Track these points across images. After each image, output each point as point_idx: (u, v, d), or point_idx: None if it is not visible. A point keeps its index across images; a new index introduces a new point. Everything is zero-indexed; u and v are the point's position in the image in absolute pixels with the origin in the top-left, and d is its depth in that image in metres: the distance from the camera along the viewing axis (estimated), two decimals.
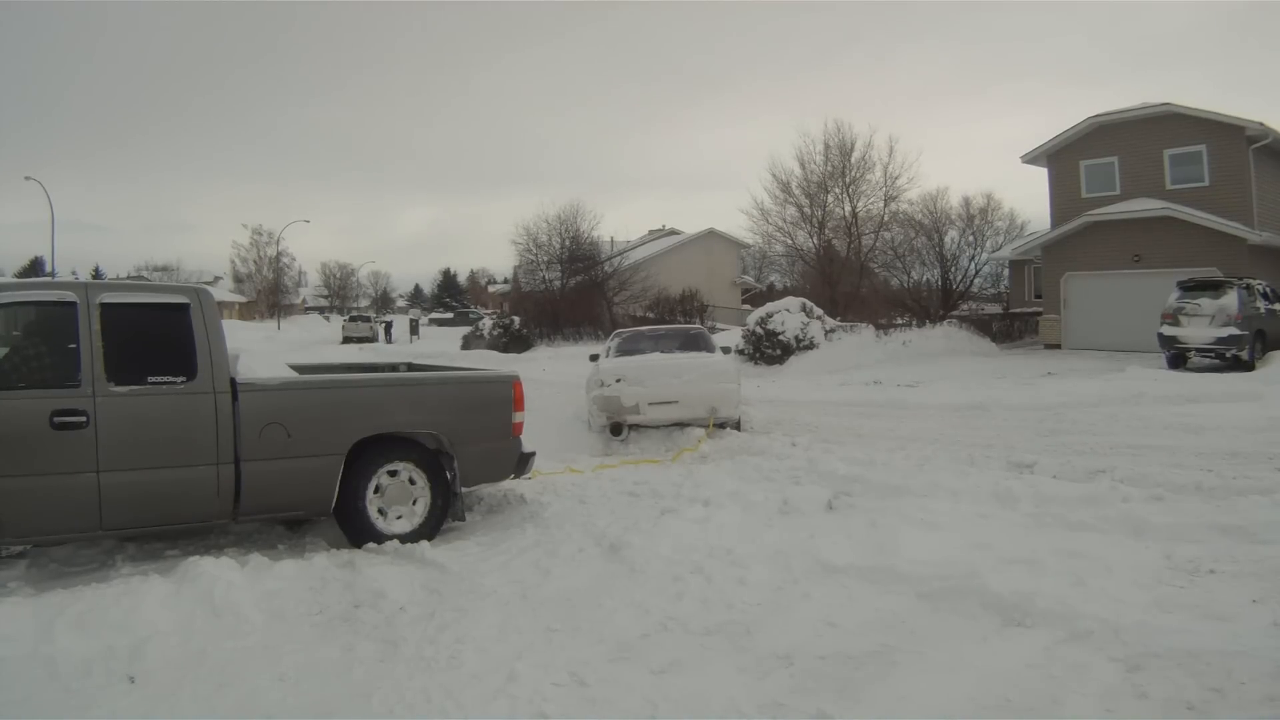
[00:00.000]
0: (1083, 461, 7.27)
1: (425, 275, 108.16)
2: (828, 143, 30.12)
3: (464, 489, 5.93)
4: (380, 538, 5.40)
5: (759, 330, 20.43)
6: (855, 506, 5.83)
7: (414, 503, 5.64)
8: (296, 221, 78.58)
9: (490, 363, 19.29)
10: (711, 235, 43.30)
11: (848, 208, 30.12)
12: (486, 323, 35.97)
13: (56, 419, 4.58)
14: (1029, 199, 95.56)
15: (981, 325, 24.43)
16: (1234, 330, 15.16)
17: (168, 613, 4.00)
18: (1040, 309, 24.13)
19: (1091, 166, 22.22)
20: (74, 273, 55.93)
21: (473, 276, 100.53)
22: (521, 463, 6.17)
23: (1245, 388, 11.84)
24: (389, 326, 46.52)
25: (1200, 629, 3.52)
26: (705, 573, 4.54)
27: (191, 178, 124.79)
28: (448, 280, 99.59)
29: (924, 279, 27.92)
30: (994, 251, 29.58)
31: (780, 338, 20.02)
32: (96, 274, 65.21)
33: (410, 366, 7.73)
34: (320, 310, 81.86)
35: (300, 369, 6.13)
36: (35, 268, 60.73)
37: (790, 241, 32.28)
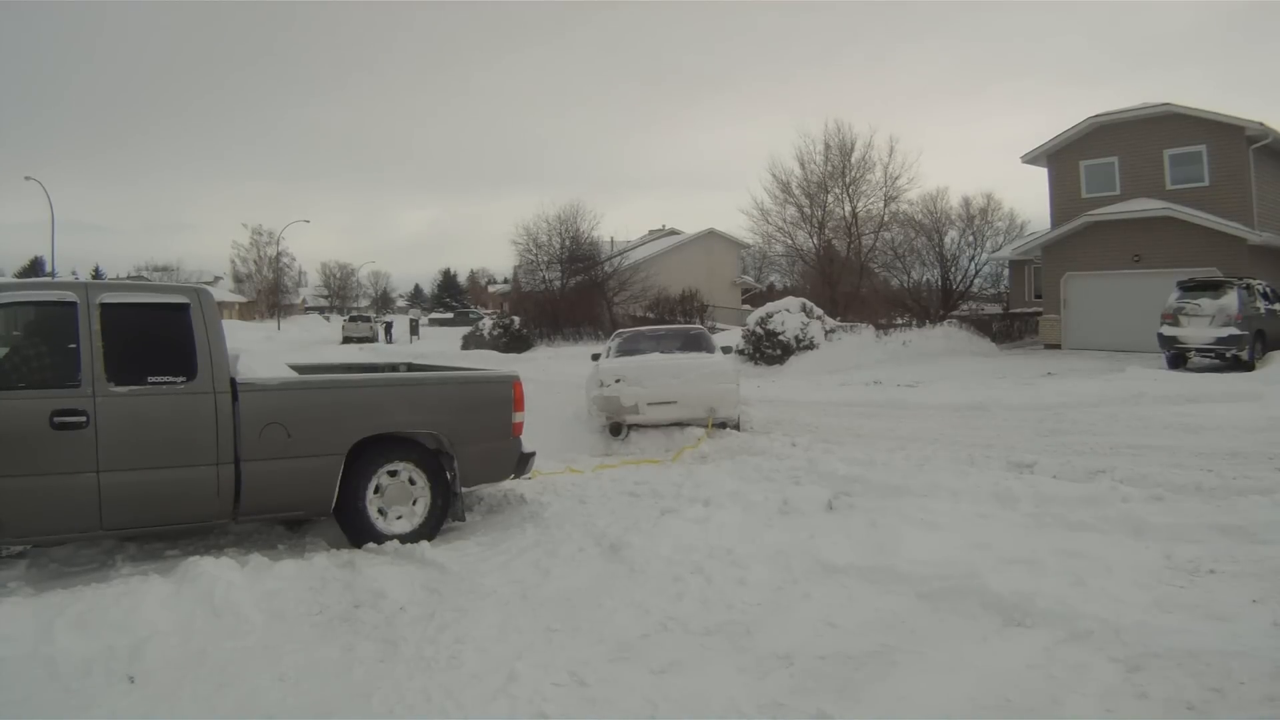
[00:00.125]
0: (1083, 461, 7.27)
1: (425, 275, 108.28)
2: (828, 143, 30.17)
3: (464, 489, 5.93)
4: (380, 538, 5.40)
5: (759, 330, 20.43)
6: (855, 506, 5.83)
7: (414, 503, 5.64)
8: (296, 221, 78.75)
9: (490, 363, 19.29)
10: (711, 235, 43.31)
11: (848, 208, 30.16)
12: (486, 323, 35.98)
13: (56, 419, 4.58)
14: (1029, 199, 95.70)
15: (981, 325, 24.44)
16: (1234, 330, 15.16)
17: (168, 613, 4.00)
18: (1040, 309, 24.13)
19: (1091, 166, 22.22)
20: (74, 273, 55.95)
21: (473, 276, 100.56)
22: (521, 463, 6.17)
23: (1245, 388, 11.84)
24: (389, 327, 46.54)
25: (1200, 629, 3.51)
26: (705, 573, 4.53)
27: (191, 178, 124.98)
28: (448, 280, 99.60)
29: (924, 279, 27.94)
30: (994, 251, 29.59)
31: (780, 338, 20.02)
32: (96, 274, 65.22)
33: (410, 366, 7.73)
34: (320, 310, 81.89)
35: (300, 369, 6.13)
36: (35, 268, 60.75)
37: (790, 241, 32.32)
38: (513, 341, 30.88)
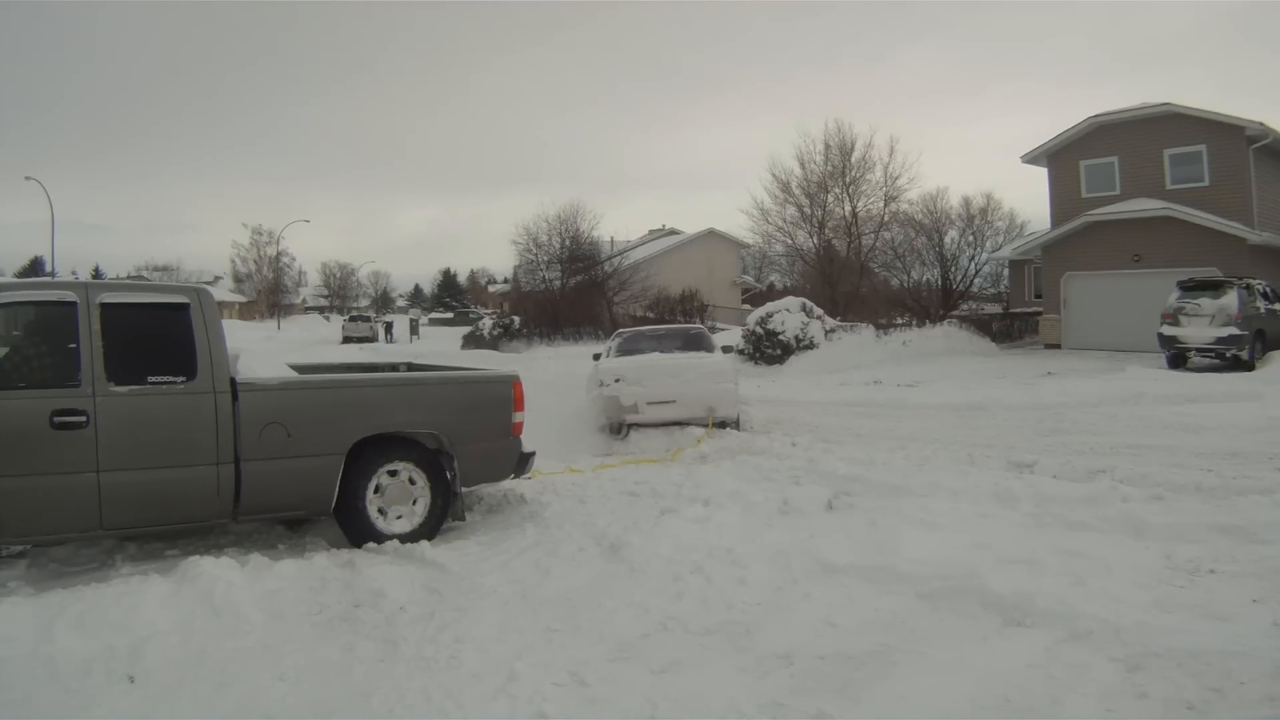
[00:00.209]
0: (1083, 461, 7.27)
1: (425, 275, 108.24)
2: (828, 143, 30.16)
3: (464, 489, 5.93)
4: (380, 537, 5.40)
5: (759, 330, 20.44)
6: (855, 506, 5.83)
7: (414, 502, 5.64)
8: (296, 221, 78.83)
9: (490, 362, 19.29)
10: (711, 235, 43.30)
11: (848, 207, 30.15)
12: (486, 323, 36.01)
13: (56, 419, 4.58)
14: (1029, 199, 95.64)
15: (981, 325, 24.43)
16: (1234, 330, 15.16)
17: (168, 613, 4.00)
18: (1040, 309, 24.13)
19: (1091, 166, 22.22)
20: (74, 273, 55.90)
21: (473, 276, 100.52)
22: (521, 463, 6.17)
23: (1245, 388, 11.85)
24: (390, 326, 46.55)
25: (1200, 629, 3.51)
26: (705, 573, 4.54)
27: (191, 178, 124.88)
28: (448, 280, 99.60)
29: (924, 279, 27.93)
30: (994, 251, 29.59)
31: (780, 337, 20.02)
32: (96, 274, 65.20)
33: (410, 366, 7.73)
34: (320, 310, 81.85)
35: (300, 369, 6.13)
36: (35, 268, 60.74)
37: (790, 241, 32.32)
38: (512, 341, 30.92)
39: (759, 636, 3.76)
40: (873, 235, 29.77)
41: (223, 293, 64.49)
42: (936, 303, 26.59)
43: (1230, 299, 15.38)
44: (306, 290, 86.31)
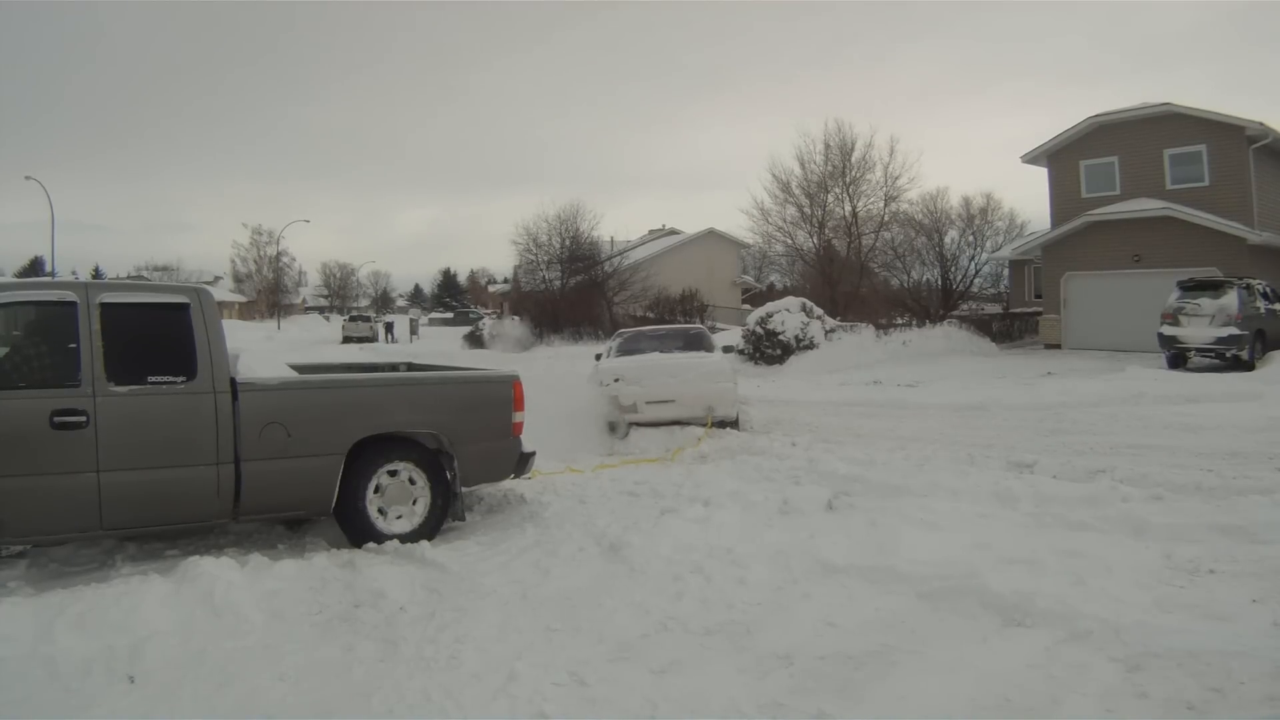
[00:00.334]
0: (1083, 461, 7.27)
1: (425, 275, 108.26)
2: (828, 142, 30.18)
3: (464, 489, 5.93)
4: (380, 538, 5.40)
5: (759, 330, 20.45)
6: (855, 506, 5.83)
7: (414, 502, 5.64)
8: (296, 221, 78.92)
9: (490, 362, 19.28)
10: (711, 235, 43.31)
11: (848, 207, 30.17)
12: (486, 323, 36.00)
13: (56, 419, 4.57)
14: (1029, 199, 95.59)
15: (981, 325, 24.44)
16: (1234, 330, 15.17)
17: (168, 613, 4.00)
18: (1040, 309, 24.14)
19: (1091, 166, 22.22)
20: (74, 273, 55.94)
21: (473, 276, 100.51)
22: (521, 463, 6.17)
23: (1245, 388, 11.85)
24: (390, 326, 46.55)
25: (1200, 629, 3.51)
26: (705, 573, 4.53)
27: (191, 178, 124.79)
28: (448, 280, 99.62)
29: (924, 279, 27.92)
30: (994, 251, 29.60)
31: (780, 337, 20.03)
32: (96, 274, 65.21)
33: (410, 366, 7.73)
34: (320, 310, 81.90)
35: (300, 369, 6.13)
36: (35, 268, 60.75)
37: (790, 241, 32.32)
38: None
39: (759, 636, 3.76)
40: (873, 235, 29.79)
41: (223, 293, 64.52)
42: (936, 303, 26.59)
43: (1230, 299, 15.38)
44: (306, 290, 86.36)
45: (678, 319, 29.22)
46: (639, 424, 9.62)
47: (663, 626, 3.93)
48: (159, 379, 4.94)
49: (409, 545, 5.28)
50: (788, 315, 20.38)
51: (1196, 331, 15.58)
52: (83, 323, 4.77)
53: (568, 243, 36.85)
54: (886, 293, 27.99)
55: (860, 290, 28.12)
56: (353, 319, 50.54)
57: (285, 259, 69.69)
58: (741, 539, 5.07)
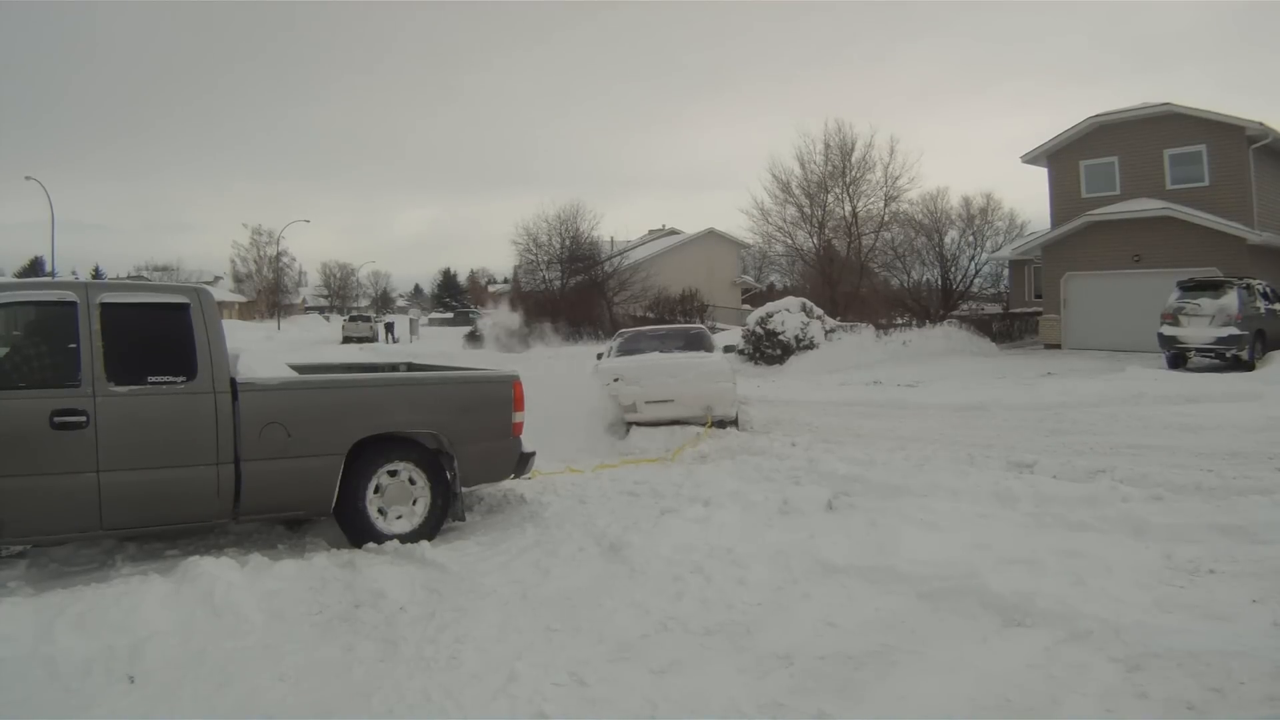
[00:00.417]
0: (1083, 461, 7.27)
1: (425, 275, 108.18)
2: (828, 143, 30.20)
3: (464, 489, 5.93)
4: (380, 538, 5.40)
5: (759, 330, 20.46)
6: (855, 506, 5.83)
7: (414, 503, 5.64)
8: (296, 221, 78.88)
9: (490, 362, 19.28)
10: (711, 235, 43.32)
11: (848, 207, 30.18)
12: (486, 323, 36.00)
13: (56, 419, 4.58)
14: (1029, 199, 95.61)
15: (981, 325, 24.45)
16: (1234, 330, 15.17)
17: (168, 613, 4.00)
18: (1040, 309, 24.14)
19: (1091, 166, 22.23)
20: (74, 273, 55.91)
21: (473, 276, 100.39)
22: (521, 463, 6.17)
23: (1245, 388, 11.85)
24: (391, 326, 46.54)
25: (1200, 629, 3.52)
26: (705, 573, 4.53)
27: (191, 178, 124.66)
28: (448, 280, 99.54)
29: (924, 279, 27.95)
30: (994, 251, 29.60)
31: (780, 337, 20.04)
32: (96, 274, 65.20)
33: (410, 366, 7.73)
34: (320, 310, 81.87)
35: (300, 369, 6.13)
36: (35, 268, 60.74)
37: (790, 241, 32.34)
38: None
39: (759, 636, 3.76)
40: (873, 235, 29.80)
41: (223, 293, 64.55)
42: (936, 303, 26.60)
43: (1230, 299, 15.39)
44: (306, 290, 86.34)
45: (678, 319, 29.24)
46: (639, 423, 9.64)
47: (663, 626, 3.93)
48: (159, 379, 4.94)
49: (409, 545, 5.28)
50: (788, 315, 20.39)
51: (1196, 331, 15.59)
52: (83, 323, 4.77)
53: (568, 243, 36.89)
54: (886, 293, 28.00)
55: (860, 290, 28.13)
56: (353, 319, 50.54)
57: (285, 259, 69.78)
58: (741, 539, 5.08)
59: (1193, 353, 15.83)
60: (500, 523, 6.03)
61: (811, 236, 31.15)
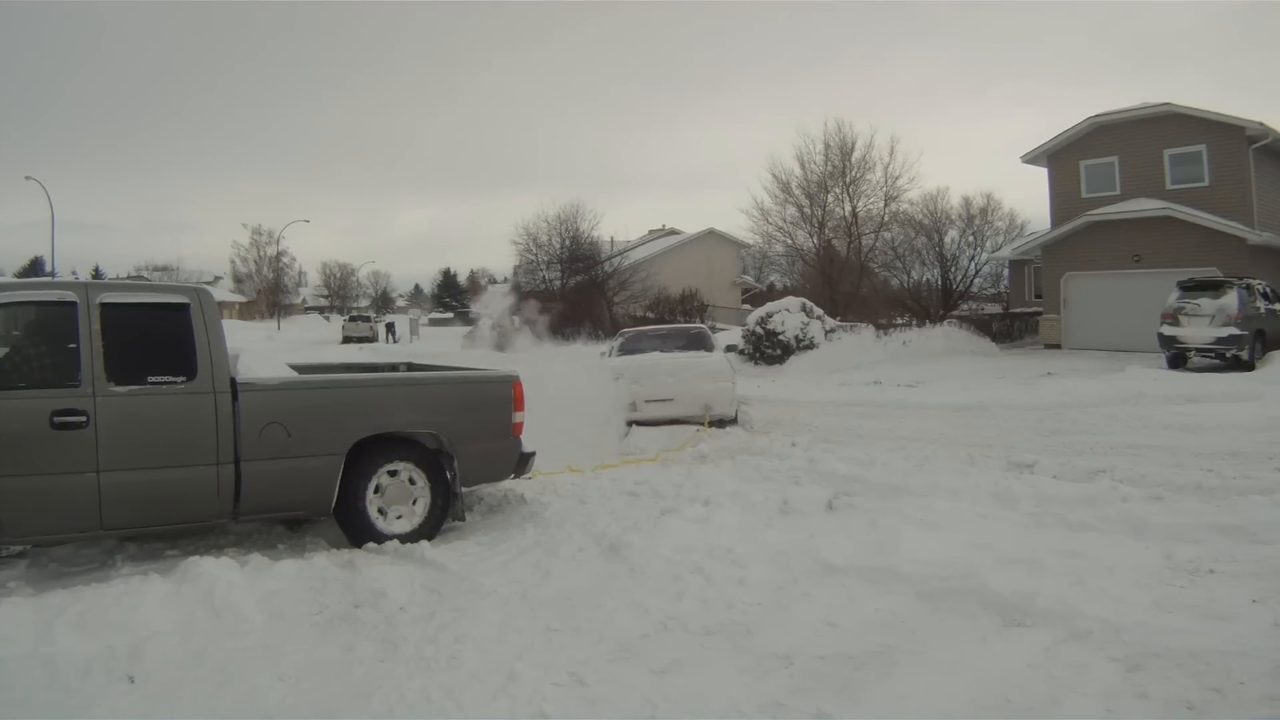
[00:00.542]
0: (1083, 461, 7.27)
1: (425, 275, 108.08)
2: (828, 143, 30.21)
3: (464, 489, 5.93)
4: (380, 538, 5.40)
5: (759, 330, 20.46)
6: (855, 506, 5.83)
7: (414, 503, 5.64)
8: (296, 221, 78.92)
9: (489, 362, 19.26)
10: (711, 235, 43.33)
11: (848, 207, 30.21)
12: (485, 323, 35.97)
13: (56, 419, 4.57)
14: (1029, 199, 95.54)
15: (981, 325, 24.45)
16: (1234, 330, 15.17)
17: (168, 613, 4.00)
18: (1040, 309, 24.15)
19: (1091, 166, 22.24)
20: (74, 273, 55.89)
21: (473, 276, 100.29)
22: (521, 463, 6.17)
23: (1245, 388, 11.85)
24: (391, 326, 46.53)
25: (1200, 629, 3.52)
26: (705, 573, 4.53)
27: (191, 178, 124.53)
28: (448, 280, 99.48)
29: (924, 279, 27.96)
30: (994, 251, 29.61)
31: (780, 338, 20.04)
32: (96, 274, 65.17)
33: (410, 366, 7.73)
34: (320, 310, 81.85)
35: (300, 369, 6.13)
36: (35, 268, 60.72)
37: (790, 241, 32.37)
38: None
39: (759, 636, 3.76)
40: (873, 235, 29.81)
41: (223, 293, 64.52)
42: (936, 303, 26.61)
43: (1230, 299, 15.39)
44: (306, 290, 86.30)
45: (678, 319, 29.26)
46: (639, 422, 9.65)
47: (663, 626, 3.93)
48: (159, 379, 4.94)
49: (409, 545, 5.28)
50: (788, 315, 20.40)
51: (1196, 331, 15.59)
52: (83, 323, 4.77)
53: (568, 243, 36.92)
54: (886, 293, 28.02)
55: (860, 290, 28.15)
56: (353, 319, 50.54)
57: (285, 259, 69.77)
58: (741, 539, 5.08)
59: (1193, 353, 15.83)
60: (500, 523, 6.03)
61: (811, 236, 31.18)
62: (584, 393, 10.07)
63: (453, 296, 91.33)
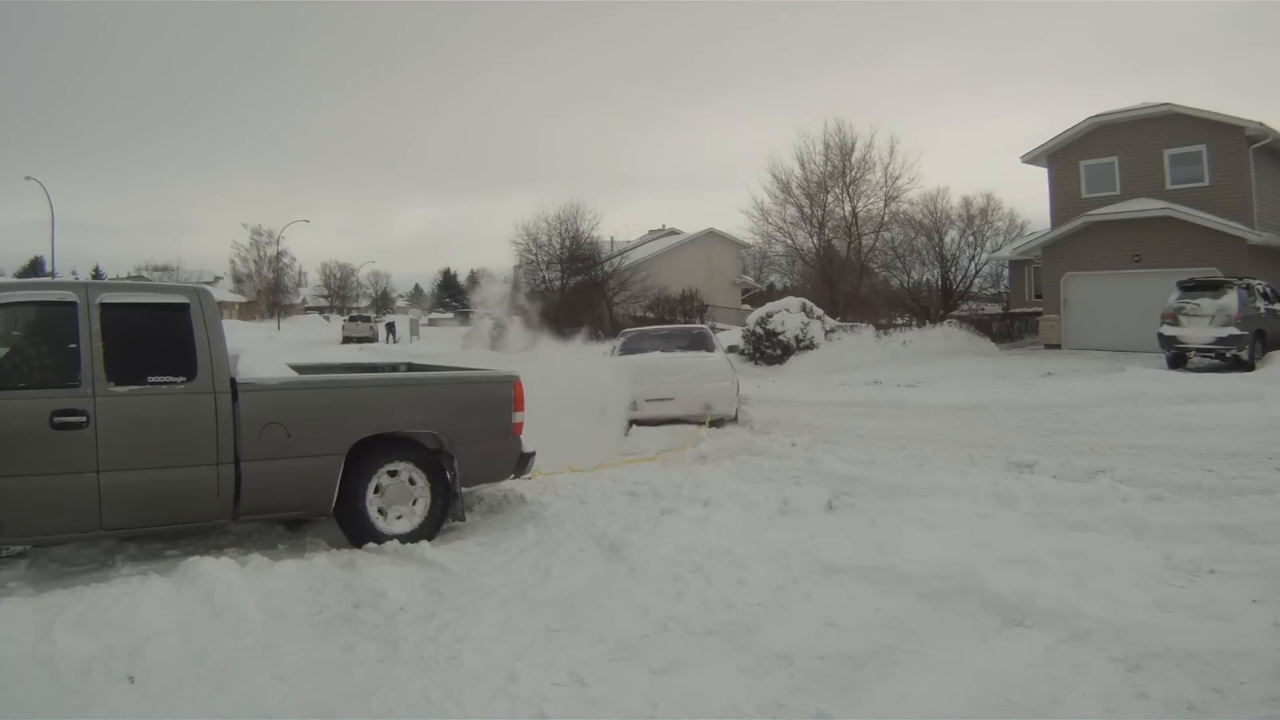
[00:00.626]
0: (1083, 461, 7.27)
1: (425, 275, 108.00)
2: (828, 143, 30.20)
3: (464, 489, 5.93)
4: (380, 538, 5.40)
5: (759, 330, 20.47)
6: (855, 506, 5.83)
7: (414, 503, 5.64)
8: (296, 221, 78.92)
9: (489, 362, 19.26)
10: (711, 235, 43.32)
11: (848, 208, 30.19)
12: (486, 323, 35.98)
13: (56, 419, 4.57)
14: (1029, 199, 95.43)
15: (981, 325, 24.46)
16: (1234, 330, 15.17)
17: (168, 613, 4.00)
18: (1040, 309, 24.15)
19: (1091, 166, 22.24)
20: (74, 273, 55.86)
21: (473, 276, 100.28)
22: (521, 463, 6.17)
23: (1245, 388, 11.85)
24: (392, 327, 46.53)
25: (1200, 629, 3.52)
26: (705, 573, 4.53)
27: (191, 178, 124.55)
28: (448, 280, 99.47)
29: (924, 279, 27.96)
30: (994, 251, 29.61)
31: (780, 338, 20.05)
32: (96, 274, 65.14)
33: (410, 366, 7.73)
34: (320, 310, 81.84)
35: (300, 369, 6.13)
36: (35, 268, 60.71)
37: (790, 241, 32.35)
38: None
39: (759, 636, 3.76)
40: (873, 235, 29.80)
41: (223, 293, 64.52)
42: (936, 303, 26.61)
43: (1230, 299, 15.39)
44: (306, 290, 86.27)
45: (678, 319, 29.26)
46: (639, 422, 9.66)
47: (663, 627, 3.93)
48: (159, 379, 4.93)
49: (409, 545, 5.28)
50: (788, 315, 20.41)
51: (1196, 331, 15.59)
52: (83, 323, 4.77)
53: (568, 243, 36.89)
54: (886, 293, 28.01)
55: (860, 290, 28.14)
56: (353, 319, 50.54)
57: (285, 259, 69.77)
58: (741, 539, 5.07)
59: (1193, 353, 15.83)
60: (500, 523, 6.03)
61: (811, 236, 31.17)
62: (584, 393, 10.09)
63: (453, 296, 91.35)
